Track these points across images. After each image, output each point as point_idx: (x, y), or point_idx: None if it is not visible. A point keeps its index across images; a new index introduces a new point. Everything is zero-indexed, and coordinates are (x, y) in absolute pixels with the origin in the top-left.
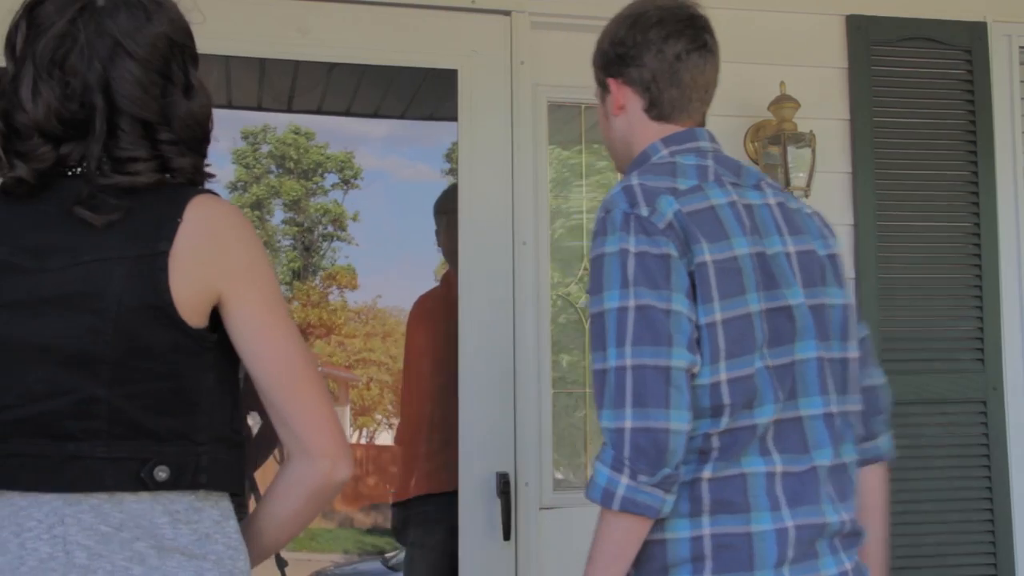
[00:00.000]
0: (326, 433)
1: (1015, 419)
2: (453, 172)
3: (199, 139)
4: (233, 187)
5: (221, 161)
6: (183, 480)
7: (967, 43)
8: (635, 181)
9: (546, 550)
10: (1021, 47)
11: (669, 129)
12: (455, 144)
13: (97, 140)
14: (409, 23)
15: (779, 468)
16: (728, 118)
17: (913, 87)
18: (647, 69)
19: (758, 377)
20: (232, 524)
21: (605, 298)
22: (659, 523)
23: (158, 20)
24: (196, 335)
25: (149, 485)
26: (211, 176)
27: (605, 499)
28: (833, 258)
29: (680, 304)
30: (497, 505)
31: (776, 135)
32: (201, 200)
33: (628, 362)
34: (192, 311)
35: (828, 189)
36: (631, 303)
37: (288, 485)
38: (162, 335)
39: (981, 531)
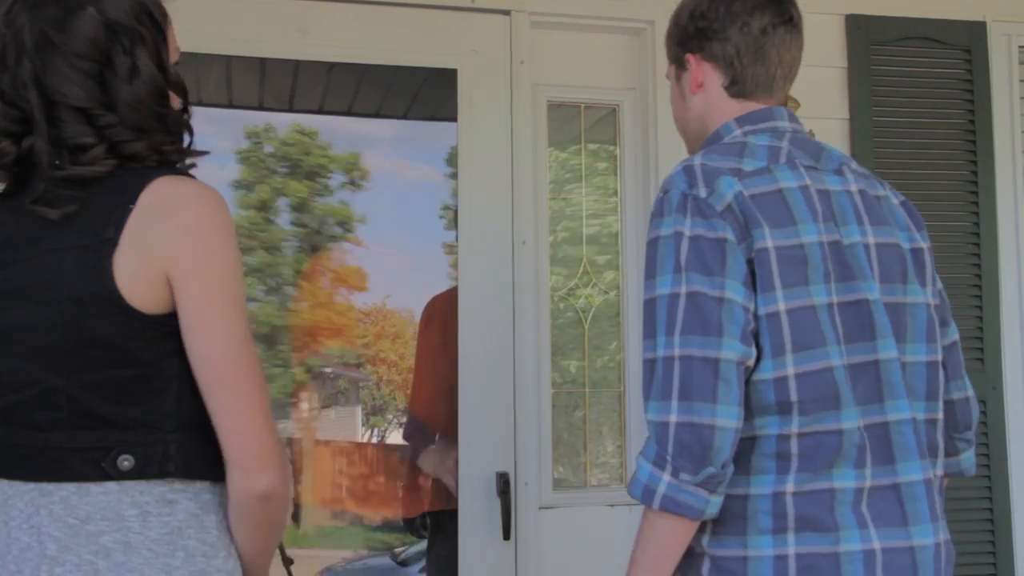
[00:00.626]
0: (244, 440)
1: (1014, 419)
2: (455, 175)
3: (155, 120)
4: (238, 185)
5: (224, 160)
6: (150, 469)
7: (967, 43)
8: (697, 160)
9: (546, 549)
10: (1021, 47)
11: (748, 107)
12: (455, 147)
13: (40, 134)
14: (408, 22)
15: (868, 483)
16: None
17: (913, 86)
18: (731, 44)
19: (836, 374)
20: (212, 519)
21: (658, 283)
22: (739, 538)
23: (92, 5)
24: (152, 322)
25: (113, 475)
26: (195, 154)
27: (646, 496)
28: (918, 253)
29: (734, 292)
30: (497, 505)
31: None
32: (161, 182)
33: (676, 352)
34: (144, 297)
35: None
36: (682, 289)
37: (229, 497)
38: (113, 323)
39: (980, 530)
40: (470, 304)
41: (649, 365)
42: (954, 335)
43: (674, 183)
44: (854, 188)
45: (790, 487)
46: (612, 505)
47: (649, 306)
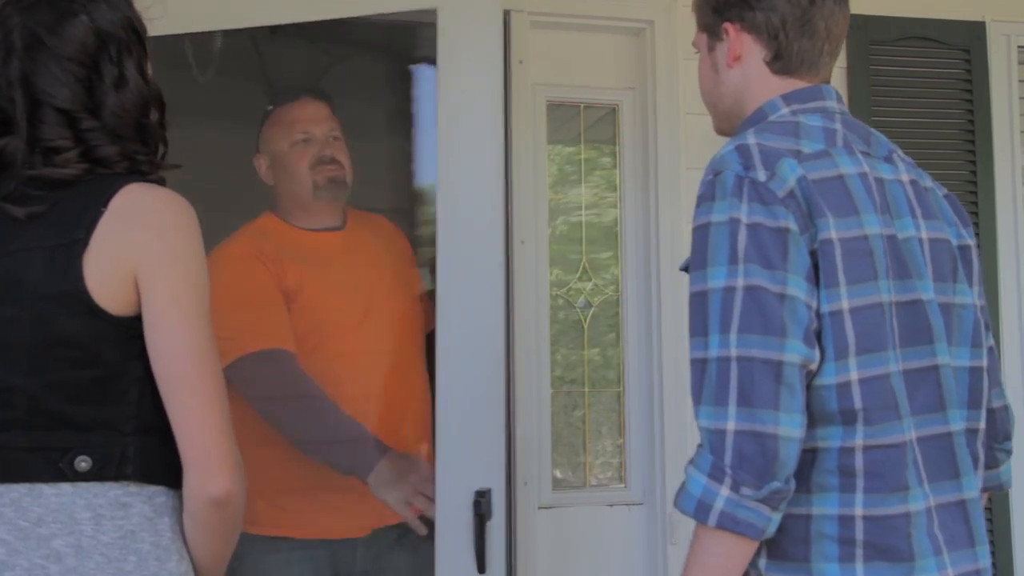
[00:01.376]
0: (201, 441)
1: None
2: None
3: (134, 129)
4: None
5: None
6: (107, 471)
7: (966, 43)
8: (751, 140)
9: (543, 550)
10: (1020, 47)
11: (792, 84)
12: None
13: (19, 134)
14: None
15: (932, 501)
16: None
17: (912, 86)
18: (776, 14)
19: (893, 381)
20: (167, 522)
21: (709, 275)
22: (803, 564)
23: (85, 14)
24: (119, 323)
25: (69, 475)
26: (168, 167)
27: (699, 512)
28: (966, 250)
29: (797, 288)
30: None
31: None
32: (132, 188)
33: (733, 352)
34: (112, 299)
35: None
36: (740, 283)
37: (184, 501)
38: (80, 323)
39: None
40: (450, 301)
41: (699, 365)
42: (991, 340)
43: (726, 164)
44: (905, 178)
45: (859, 510)
46: (611, 505)
47: (698, 300)
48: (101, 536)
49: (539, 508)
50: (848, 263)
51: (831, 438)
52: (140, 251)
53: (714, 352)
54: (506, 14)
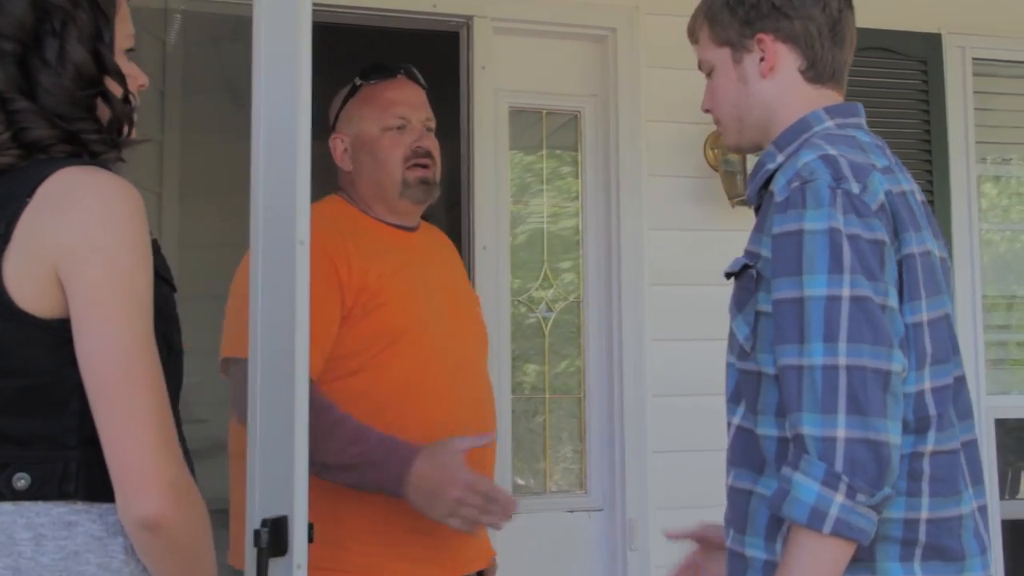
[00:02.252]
0: (124, 456)
1: None
2: None
3: (74, 107)
4: None
5: None
6: (48, 489)
7: (923, 54)
8: (832, 151)
9: (503, 556)
10: (975, 58)
11: (825, 95)
12: None
13: None
14: None
15: (975, 504)
16: (688, 125)
17: (870, 96)
18: (813, 23)
19: (951, 389)
20: (120, 542)
21: (806, 283)
22: (868, 564)
23: None
24: (47, 327)
25: (6, 494)
26: (132, 143)
27: (814, 520)
28: (945, 261)
29: (894, 299)
30: None
31: None
32: (63, 173)
33: (841, 361)
34: (36, 300)
35: None
36: (845, 292)
37: None
38: (3, 329)
39: None
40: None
41: (795, 373)
42: None
43: (816, 174)
44: (916, 189)
45: (924, 514)
46: (572, 511)
47: (791, 307)
48: (40, 558)
49: None
50: (925, 276)
51: (905, 446)
52: (59, 245)
53: (818, 360)
54: (468, 20)
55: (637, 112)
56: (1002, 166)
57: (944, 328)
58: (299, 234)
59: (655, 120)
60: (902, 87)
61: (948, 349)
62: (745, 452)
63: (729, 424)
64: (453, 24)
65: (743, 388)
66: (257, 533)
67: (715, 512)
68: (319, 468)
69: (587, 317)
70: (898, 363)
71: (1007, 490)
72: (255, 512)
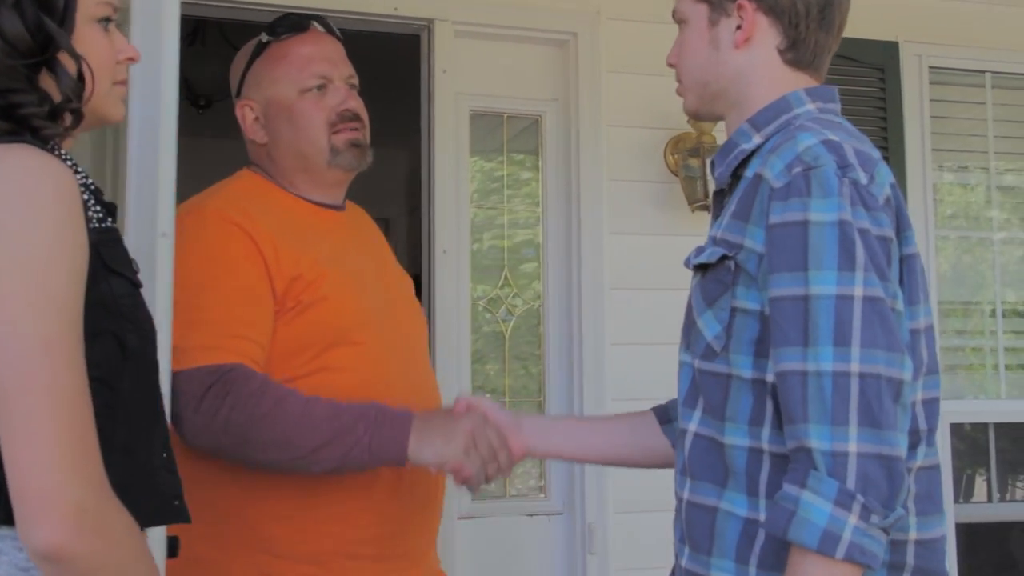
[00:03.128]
0: (20, 477)
1: None
2: None
3: (6, 81)
4: None
5: None
6: None
7: (880, 61)
8: (833, 136)
9: (462, 560)
10: (931, 67)
11: (803, 80)
12: None
13: None
14: None
15: (944, 529)
16: (648, 130)
17: None
18: (804, 1)
19: (937, 404)
20: (5, 559)
21: (812, 279)
22: None
23: None
24: None
25: None
26: (78, 120)
27: (825, 544)
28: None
29: (902, 302)
30: None
31: (696, 147)
32: None
33: (854, 367)
34: None
35: None
36: (857, 292)
37: None
38: None
39: None
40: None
41: (800, 379)
42: None
43: (821, 159)
44: None
45: (912, 534)
46: (531, 515)
47: (794, 306)
48: None
49: (458, 518)
50: (922, 280)
51: None
52: None
53: (826, 365)
54: (430, 23)
55: (598, 117)
56: (958, 173)
57: (932, 338)
58: (161, 226)
59: (616, 125)
60: (860, 94)
61: (935, 361)
62: (705, 463)
63: (684, 431)
64: (414, 27)
65: (705, 391)
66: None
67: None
68: (304, 455)
69: (547, 321)
70: (908, 372)
71: (961, 494)
72: None
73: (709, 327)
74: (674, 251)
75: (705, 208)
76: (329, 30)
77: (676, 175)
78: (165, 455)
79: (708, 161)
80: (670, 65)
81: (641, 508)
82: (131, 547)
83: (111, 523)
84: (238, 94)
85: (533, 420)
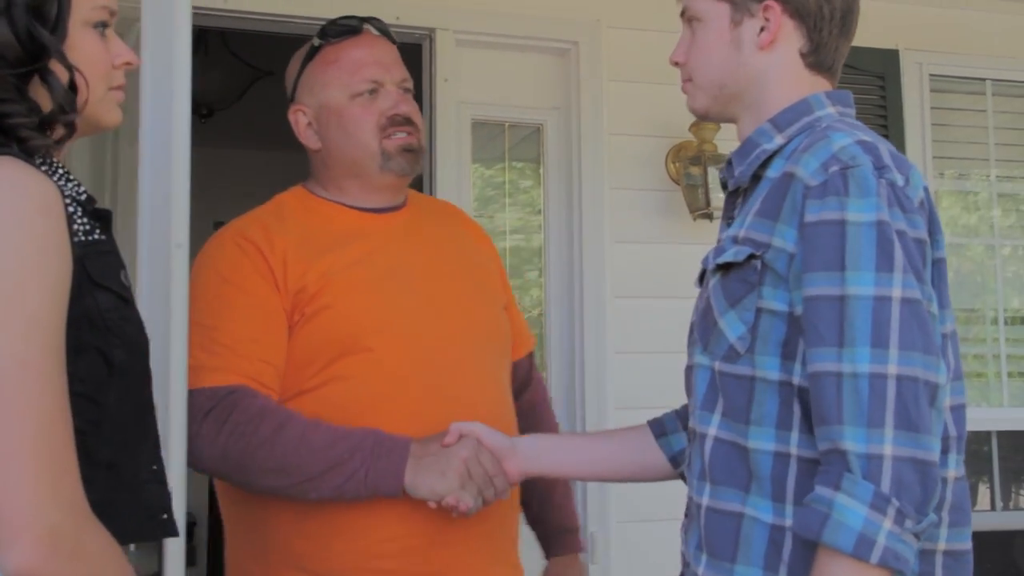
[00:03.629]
0: None
1: None
2: None
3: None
4: None
5: None
6: None
7: (880, 69)
8: (865, 136)
9: None
10: (931, 74)
11: (822, 84)
12: None
13: None
14: None
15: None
16: (649, 138)
17: None
18: (828, 4)
19: (964, 410)
20: None
21: (849, 279)
22: None
23: None
24: None
25: None
26: (69, 133)
27: (860, 548)
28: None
29: (936, 306)
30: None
31: (697, 156)
32: None
33: (892, 370)
34: None
35: None
36: (896, 293)
37: None
38: None
39: None
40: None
41: (835, 380)
42: None
43: (858, 158)
44: None
45: (942, 544)
46: None
47: (830, 306)
48: None
49: None
50: (947, 286)
51: None
52: None
53: (864, 367)
54: (431, 32)
55: (599, 125)
56: (959, 180)
57: (956, 344)
58: (176, 237)
59: (617, 133)
60: (860, 102)
61: (959, 367)
62: (727, 467)
63: (703, 435)
64: (416, 36)
65: (726, 394)
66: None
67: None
68: (300, 482)
69: (549, 330)
70: (944, 376)
71: None
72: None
73: (732, 328)
74: (676, 259)
75: (707, 216)
76: (383, 33)
77: (677, 183)
78: (155, 467)
79: (725, 161)
80: (675, 63)
81: (642, 518)
82: (109, 570)
83: (88, 546)
84: (292, 99)
85: (527, 441)
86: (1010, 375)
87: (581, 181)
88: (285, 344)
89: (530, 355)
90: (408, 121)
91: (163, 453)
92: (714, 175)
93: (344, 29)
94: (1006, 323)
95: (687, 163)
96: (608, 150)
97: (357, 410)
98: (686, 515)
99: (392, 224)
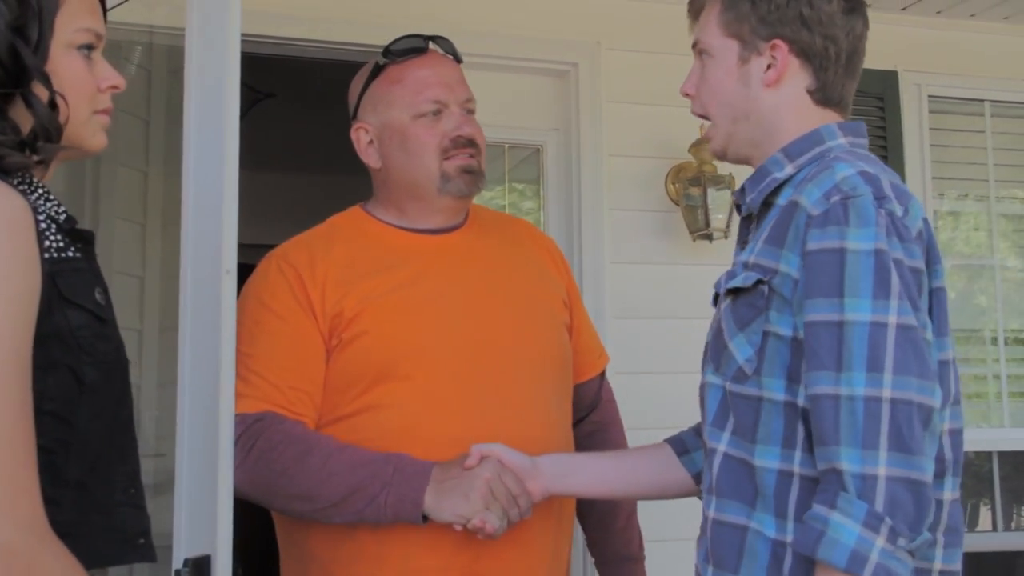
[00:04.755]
0: None
1: None
2: None
3: None
4: None
5: None
6: None
7: (879, 91)
8: (869, 168)
9: None
10: (930, 96)
11: (832, 118)
12: None
13: None
14: None
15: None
16: (649, 159)
17: None
18: (834, 45)
19: (961, 435)
20: None
21: (848, 306)
22: None
23: None
24: None
25: None
26: (52, 152)
27: (853, 564)
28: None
29: (931, 333)
30: None
31: (696, 177)
32: None
33: (886, 393)
34: None
35: None
36: (892, 319)
37: None
38: None
39: None
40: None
41: (833, 402)
42: None
43: (859, 189)
44: None
45: (937, 564)
46: None
47: (829, 331)
48: None
49: None
50: (947, 313)
51: None
52: None
53: (859, 390)
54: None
55: (599, 146)
56: (958, 201)
57: (956, 369)
58: (226, 263)
59: (617, 154)
60: None
61: (959, 392)
62: (734, 482)
63: (712, 450)
64: None
65: (736, 412)
66: (178, 573)
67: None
68: (324, 507)
69: None
70: (938, 399)
71: (966, 522)
72: (179, 551)
73: (741, 350)
74: (675, 280)
75: (706, 237)
76: (449, 51)
77: (677, 204)
78: (133, 490)
79: (738, 188)
80: (685, 95)
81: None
82: None
83: (45, 566)
84: (354, 117)
85: (550, 461)
86: (1011, 395)
87: (581, 202)
88: (321, 370)
89: (599, 376)
90: (471, 143)
91: (213, 480)
92: (714, 196)
93: (409, 48)
94: (1006, 343)
95: (687, 184)
96: (608, 171)
97: (394, 438)
98: (701, 529)
99: (447, 245)
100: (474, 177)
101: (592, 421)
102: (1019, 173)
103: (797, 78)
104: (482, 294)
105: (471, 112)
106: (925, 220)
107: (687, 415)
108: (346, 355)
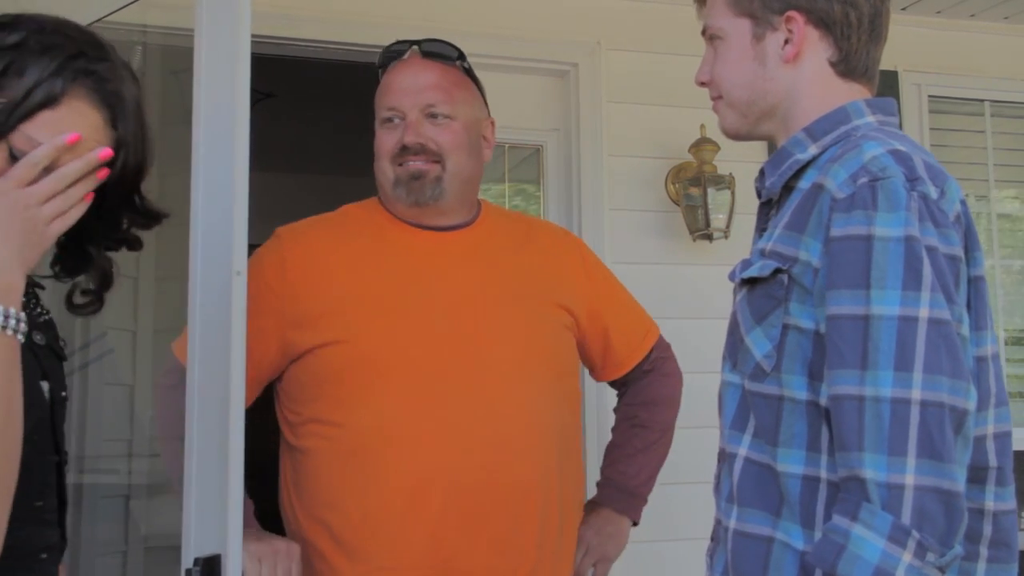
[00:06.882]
0: None
1: None
2: None
3: None
4: None
5: None
6: None
7: (879, 90)
8: (901, 147)
9: None
10: (930, 96)
11: (859, 92)
12: None
13: None
14: None
15: None
16: (649, 159)
17: None
18: (855, 10)
19: (1011, 439)
20: None
21: (874, 298)
22: None
23: None
24: None
25: None
26: None
27: None
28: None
29: (967, 327)
30: None
31: (697, 177)
32: None
33: (915, 395)
34: None
35: (747, 231)
36: (923, 313)
37: None
38: None
39: None
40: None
41: (857, 404)
42: None
43: (889, 170)
44: None
45: None
46: None
47: (853, 326)
48: None
49: None
50: (987, 306)
51: None
52: None
53: (886, 391)
54: None
55: (599, 146)
56: None
57: (999, 367)
58: (236, 264)
59: (617, 154)
60: None
61: (1003, 391)
62: (757, 490)
63: (732, 455)
64: None
65: (756, 413)
66: (188, 572)
67: (682, 545)
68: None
69: None
70: (973, 402)
71: None
72: (188, 551)
73: (758, 345)
74: (675, 280)
75: (706, 237)
76: (430, 54)
77: (677, 204)
78: (40, 503)
79: (758, 170)
80: (701, 84)
81: (650, 538)
82: None
83: None
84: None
85: None
86: (1011, 395)
87: (581, 202)
88: (266, 363)
89: (637, 365)
90: (422, 149)
91: (223, 480)
92: (713, 196)
93: (390, 55)
94: (1006, 343)
95: (687, 184)
96: (608, 171)
97: (369, 436)
98: (712, 538)
99: (446, 242)
100: (421, 183)
101: (646, 382)
102: (1019, 173)
103: (817, 50)
104: (471, 293)
105: (435, 117)
106: (963, 202)
107: (687, 414)
108: (320, 355)
